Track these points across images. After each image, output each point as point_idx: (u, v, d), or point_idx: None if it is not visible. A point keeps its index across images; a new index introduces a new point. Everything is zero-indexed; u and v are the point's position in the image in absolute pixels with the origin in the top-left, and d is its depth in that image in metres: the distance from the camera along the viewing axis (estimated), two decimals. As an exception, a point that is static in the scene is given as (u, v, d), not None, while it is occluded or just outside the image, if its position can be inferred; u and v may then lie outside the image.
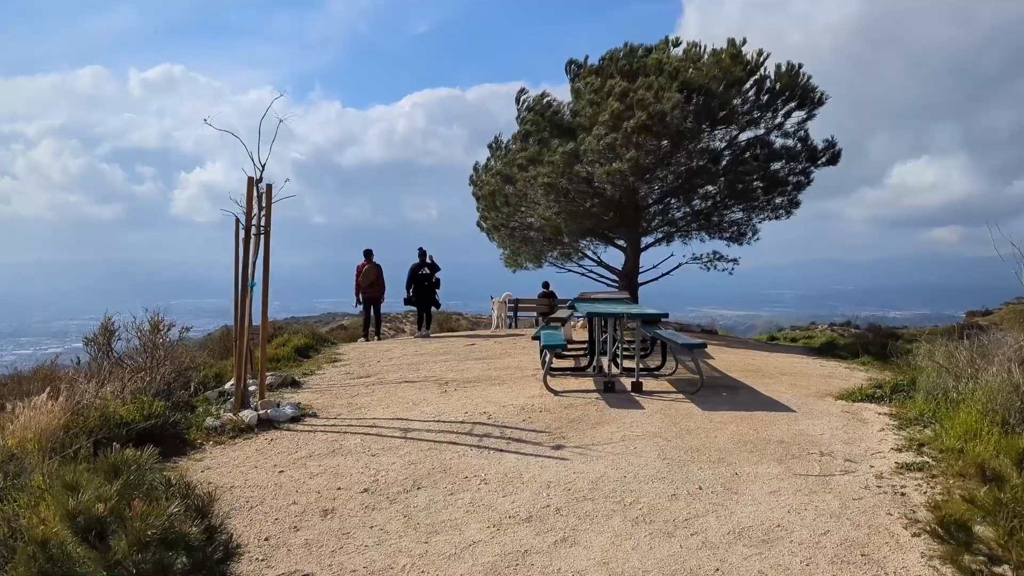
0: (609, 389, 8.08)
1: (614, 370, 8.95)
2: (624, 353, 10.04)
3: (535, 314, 21.29)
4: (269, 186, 7.96)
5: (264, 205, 7.93)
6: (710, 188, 16.37)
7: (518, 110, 17.67)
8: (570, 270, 19.32)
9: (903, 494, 5.20)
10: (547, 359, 8.29)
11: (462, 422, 7.16)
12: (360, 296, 17.13)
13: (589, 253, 18.68)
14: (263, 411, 7.53)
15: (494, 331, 18.36)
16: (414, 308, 17.85)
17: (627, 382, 8.65)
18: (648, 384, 8.76)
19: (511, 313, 19.90)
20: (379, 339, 17.40)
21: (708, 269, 18.48)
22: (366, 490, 5.42)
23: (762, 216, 16.77)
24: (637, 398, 7.98)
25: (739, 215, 16.91)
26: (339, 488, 5.48)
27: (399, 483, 5.55)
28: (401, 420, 7.37)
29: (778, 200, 16.29)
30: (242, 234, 7.79)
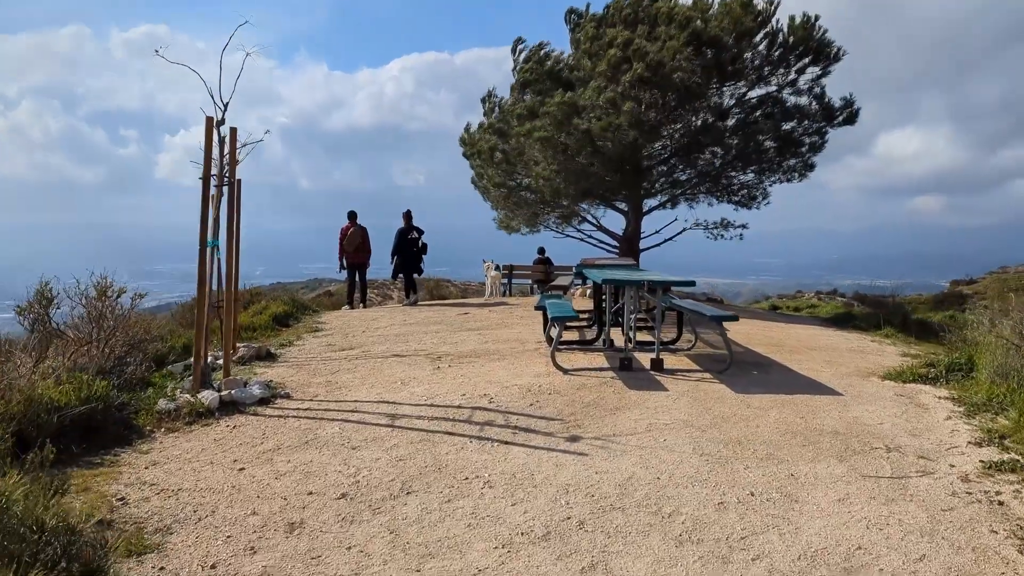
0: (626, 367, 7.09)
1: (628, 345, 7.96)
2: (636, 325, 9.06)
3: (530, 282, 20.29)
4: (233, 130, 6.86)
5: (228, 152, 6.83)
6: (718, 149, 15.26)
7: (515, 61, 16.46)
8: (568, 235, 18.27)
9: (1001, 503, 4.24)
10: (556, 333, 7.25)
11: (459, 407, 6.15)
12: (344, 261, 16.04)
13: (589, 217, 17.62)
14: (227, 391, 6.50)
15: (487, 299, 17.36)
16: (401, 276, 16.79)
17: (645, 359, 7.67)
18: (667, 361, 7.78)
19: (505, 280, 18.86)
20: (365, 307, 16.36)
21: (715, 238, 17.48)
22: (344, 495, 4.42)
23: (773, 179, 15.71)
24: (659, 378, 6.99)
25: (749, 177, 15.85)
26: (311, 493, 4.47)
27: (385, 486, 4.55)
28: (388, 404, 6.36)
29: (792, 162, 15.22)
30: (207, 186, 6.69)
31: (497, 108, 16.94)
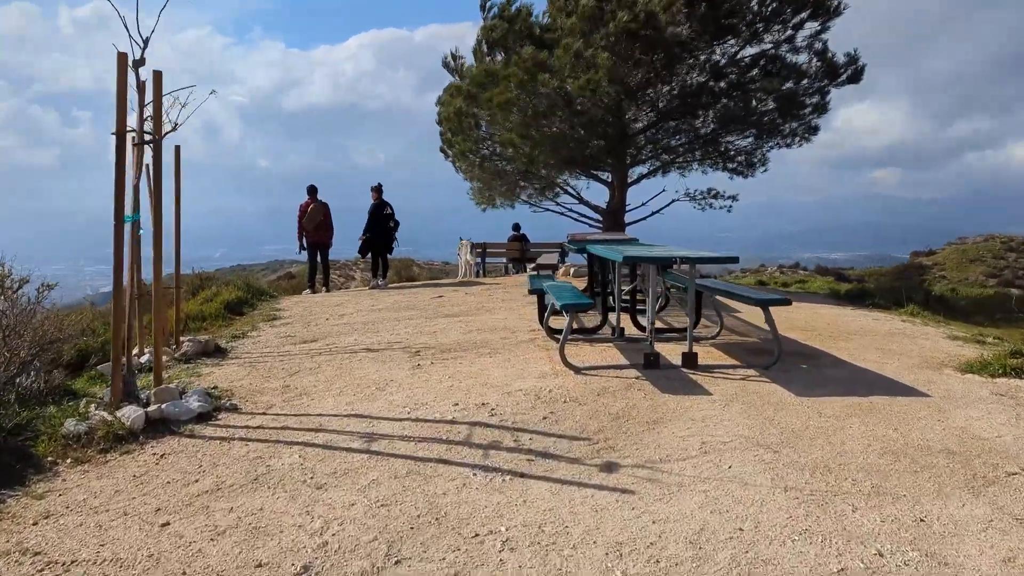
0: (652, 364, 5.81)
1: (648, 335, 6.71)
2: (632, 308, 7.82)
3: (504, 260, 18.99)
4: (157, 74, 5.40)
5: (152, 101, 5.39)
6: (712, 111, 14.00)
7: (483, 17, 14.98)
8: (547, 208, 16.97)
9: None
10: (567, 324, 5.91)
11: (453, 421, 4.83)
12: (304, 241, 14.57)
13: (569, 189, 16.32)
14: (155, 406, 5.11)
15: (462, 279, 16.03)
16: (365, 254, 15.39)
17: (669, 351, 6.43)
18: (669, 346, 6.54)
19: (479, 260, 17.53)
20: (327, 291, 14.94)
21: (703, 208, 16.30)
22: (306, 568, 3.10)
23: (772, 143, 14.51)
24: (694, 377, 5.72)
25: (746, 142, 14.64)
26: (260, 565, 3.15)
27: (363, 549, 3.25)
28: (362, 418, 5.02)
29: (793, 125, 14.02)
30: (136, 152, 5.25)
31: (461, 71, 15.47)
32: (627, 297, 7.74)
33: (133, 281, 5.22)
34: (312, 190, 14.60)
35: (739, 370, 5.96)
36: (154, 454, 4.52)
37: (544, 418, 4.80)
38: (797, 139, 14.24)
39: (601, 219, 16.01)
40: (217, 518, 3.60)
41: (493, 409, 5.00)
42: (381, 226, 14.61)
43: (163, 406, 5.09)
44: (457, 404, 5.15)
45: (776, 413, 4.87)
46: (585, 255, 8.58)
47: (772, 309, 6.04)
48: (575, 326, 7.97)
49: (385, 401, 5.37)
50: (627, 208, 16.05)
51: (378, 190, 14.71)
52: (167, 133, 8.48)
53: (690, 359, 5.87)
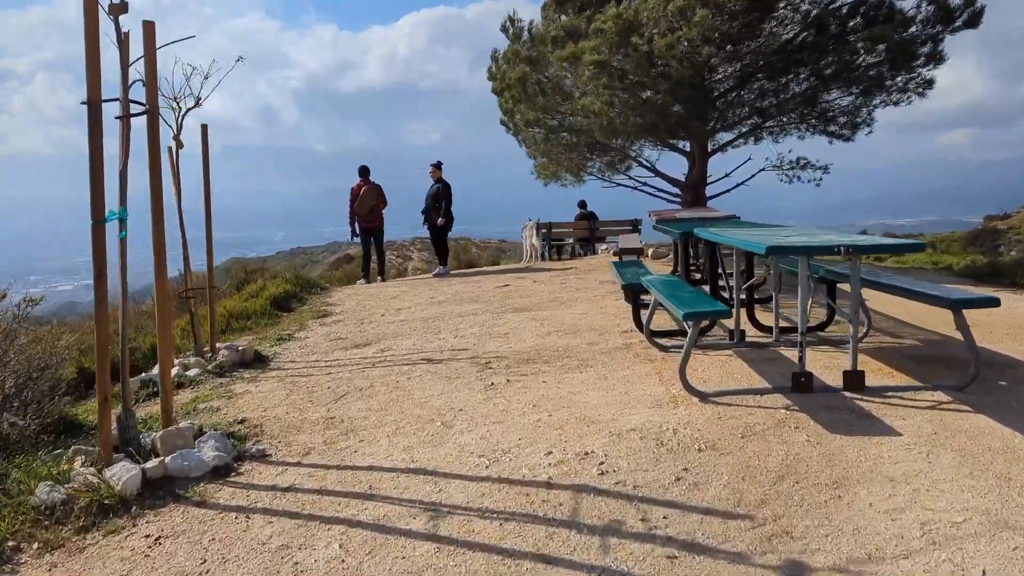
0: (803, 386, 4.37)
1: (749, 335, 5.28)
2: (750, 302, 6.39)
3: (571, 241, 17.58)
4: (148, 24, 4.13)
5: (144, 60, 4.14)
6: (810, 65, 12.27)
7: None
8: (618, 183, 15.46)
9: None
10: (689, 338, 4.42)
11: (549, 484, 3.50)
12: (356, 227, 13.40)
13: (643, 160, 14.79)
14: (158, 460, 3.91)
15: (527, 263, 14.71)
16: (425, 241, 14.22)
17: (817, 364, 5.00)
18: (832, 363, 5.10)
19: (544, 242, 16.16)
20: (383, 279, 13.77)
21: (790, 180, 14.62)
22: None
23: (877, 100, 12.71)
24: (865, 405, 4.27)
25: (847, 101, 12.86)
26: None
27: None
28: (425, 476, 3.72)
29: (903, 78, 12.23)
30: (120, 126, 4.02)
31: (526, 32, 14.00)
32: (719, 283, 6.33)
33: (125, 295, 4.03)
34: (364, 171, 13.41)
35: (922, 393, 4.47)
36: (147, 536, 3.32)
37: (677, 479, 3.44)
38: (907, 95, 12.43)
39: (680, 193, 14.47)
40: (213, 672, 2.36)
41: (602, 462, 3.66)
42: (441, 209, 13.32)
43: (168, 459, 3.89)
44: (551, 453, 3.82)
45: (1010, 467, 3.41)
46: (677, 237, 7.09)
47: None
48: (679, 329, 6.58)
49: (454, 445, 4.07)
50: (707, 180, 14.49)
51: (437, 168, 13.43)
52: (190, 109, 7.34)
53: (855, 379, 4.40)
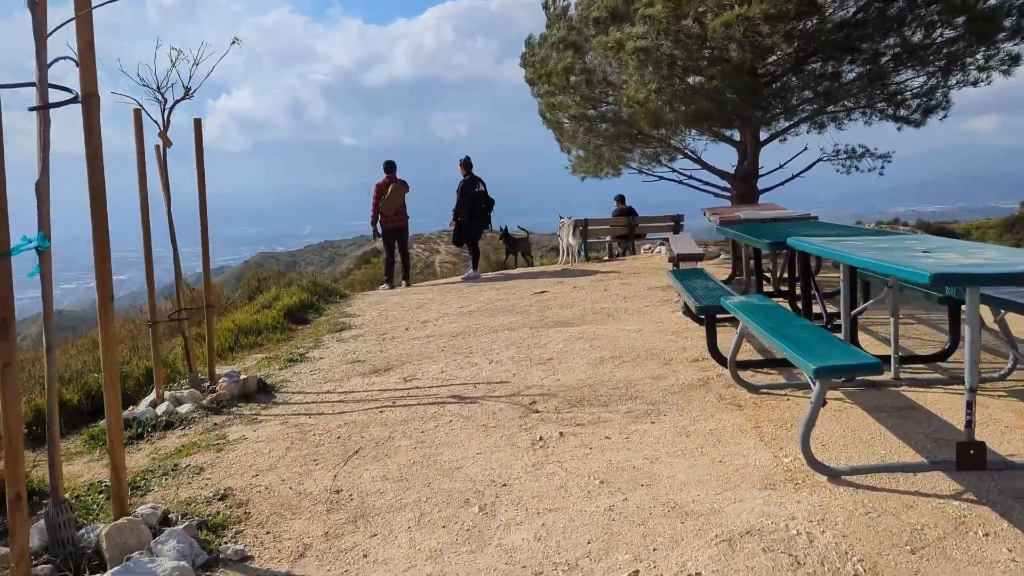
0: (973, 462, 3.14)
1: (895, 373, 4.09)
2: (853, 328, 5.21)
3: (608, 238, 16.38)
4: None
5: (76, 26, 3.07)
6: (878, 43, 10.95)
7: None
8: (660, 176, 14.25)
9: None
10: (815, 397, 3.17)
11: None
12: (379, 227, 12.35)
13: (688, 151, 13.55)
14: (95, 577, 2.85)
15: (564, 266, 13.58)
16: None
17: (951, 411, 3.86)
18: (986, 415, 3.94)
19: (581, 240, 14.97)
20: (408, 284, 12.72)
21: (847, 170, 13.33)
22: None
23: (953, 80, 11.35)
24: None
25: (918, 83, 11.53)
26: None
27: None
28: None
29: (983, 55, 10.89)
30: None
31: (567, 14, 12.79)
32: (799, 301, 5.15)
33: (50, 336, 2.98)
34: (390, 166, 12.34)
35: None
36: None
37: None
38: (988, 73, 11.07)
39: (730, 187, 13.24)
40: None
41: (716, 597, 2.53)
42: (474, 208, 12.32)
43: None
44: (638, 572, 2.70)
45: None
46: (765, 248, 5.84)
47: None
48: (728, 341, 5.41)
49: (498, 551, 2.97)
50: (759, 172, 13.24)
51: (467, 164, 12.38)
52: (179, 101, 6.31)
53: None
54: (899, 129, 11.88)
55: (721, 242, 14.51)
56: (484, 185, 12.44)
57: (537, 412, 4.76)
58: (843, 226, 6.02)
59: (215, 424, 5.38)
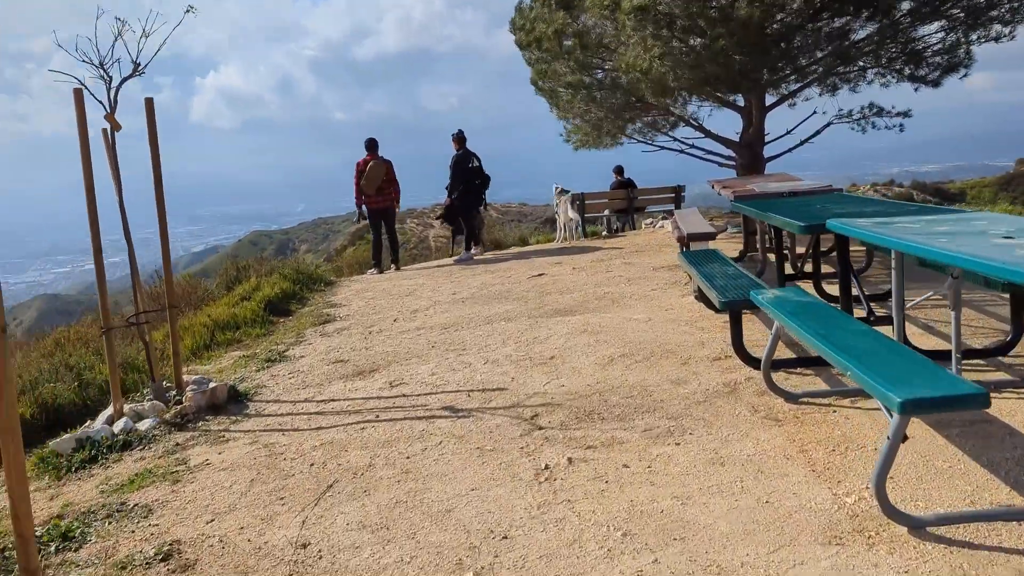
0: None
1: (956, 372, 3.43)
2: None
3: (606, 213, 15.65)
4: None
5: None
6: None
7: None
8: (661, 146, 13.52)
9: None
10: (892, 433, 2.52)
11: None
12: (364, 208, 11.67)
13: (691, 118, 12.80)
14: None
15: (562, 243, 12.89)
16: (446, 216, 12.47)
17: (1014, 413, 3.22)
18: (1021, 405, 3.29)
19: (579, 215, 14.25)
20: (397, 268, 12.04)
21: (862, 129, 12.59)
22: None
23: (974, 36, 10.57)
24: None
25: (938, 37, 10.74)
26: None
27: None
28: None
29: (1010, 4, 10.10)
30: None
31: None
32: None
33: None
34: (371, 144, 11.64)
35: None
36: None
37: None
38: (1012, 27, 10.30)
39: (735, 155, 12.52)
40: None
41: None
42: (467, 184, 11.66)
43: None
44: None
45: None
46: (798, 230, 5.09)
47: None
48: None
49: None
50: (765, 139, 12.53)
51: (460, 139, 11.69)
52: (128, 78, 5.64)
53: None
54: (916, 90, 11.14)
55: (726, 214, 13.84)
56: (479, 160, 11.76)
57: (540, 429, 4.11)
58: (880, 201, 5.35)
59: (177, 444, 4.76)
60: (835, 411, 3.80)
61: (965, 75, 10.90)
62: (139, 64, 5.50)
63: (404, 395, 5.13)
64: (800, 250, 7.25)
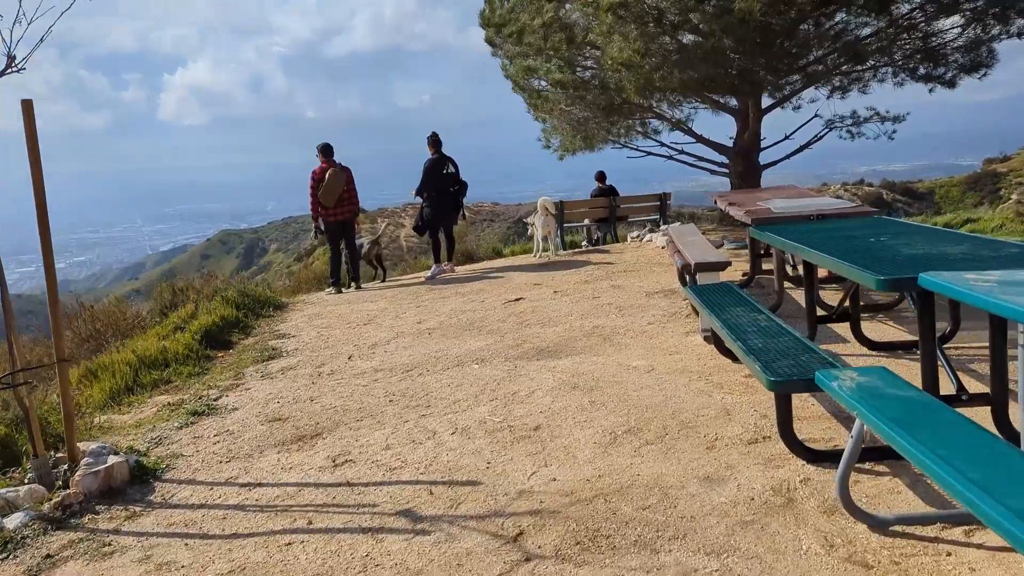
0: None
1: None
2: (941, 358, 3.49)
3: (587, 222, 14.54)
4: None
5: None
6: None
7: None
8: (647, 151, 12.42)
9: None
10: None
11: None
12: (321, 222, 10.45)
13: (681, 122, 11.70)
14: None
15: (540, 256, 11.76)
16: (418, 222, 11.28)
17: None
18: None
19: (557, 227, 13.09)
20: (358, 287, 10.81)
21: (852, 137, 11.67)
22: None
23: (996, 31, 9.60)
24: None
25: (954, 33, 9.75)
26: None
27: None
28: None
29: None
30: None
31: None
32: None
33: None
34: (327, 150, 10.43)
35: None
36: None
37: None
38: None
39: (728, 162, 11.46)
40: None
41: None
42: (441, 191, 10.57)
43: None
44: None
45: None
46: (888, 286, 3.88)
47: None
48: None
49: None
50: (761, 145, 11.48)
51: (435, 142, 10.58)
52: (2, 74, 4.50)
53: None
54: (931, 91, 10.15)
55: (717, 222, 12.79)
56: (455, 166, 10.66)
57: (528, 562, 2.96)
58: (953, 234, 4.25)
59: (46, 557, 3.59)
60: (950, 553, 2.68)
61: (986, 74, 9.94)
62: (15, 57, 4.32)
63: (349, 483, 3.97)
64: (823, 273, 6.20)
